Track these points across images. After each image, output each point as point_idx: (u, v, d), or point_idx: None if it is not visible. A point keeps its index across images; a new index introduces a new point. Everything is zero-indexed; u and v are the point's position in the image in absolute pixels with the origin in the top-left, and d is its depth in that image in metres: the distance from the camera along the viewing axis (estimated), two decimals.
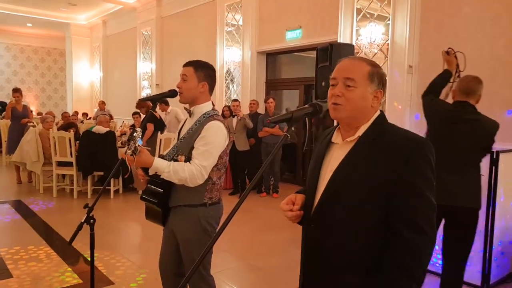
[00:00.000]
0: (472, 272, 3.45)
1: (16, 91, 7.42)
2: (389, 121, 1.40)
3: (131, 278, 3.51)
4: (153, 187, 2.17)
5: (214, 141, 2.09)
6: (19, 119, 7.41)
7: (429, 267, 3.42)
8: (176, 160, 2.09)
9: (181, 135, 2.25)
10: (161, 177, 2.05)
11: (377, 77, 1.34)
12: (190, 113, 2.23)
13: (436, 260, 3.58)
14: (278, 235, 4.73)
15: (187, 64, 2.20)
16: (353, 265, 1.31)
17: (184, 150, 2.13)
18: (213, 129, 2.11)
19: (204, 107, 2.21)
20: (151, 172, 2.07)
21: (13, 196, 6.36)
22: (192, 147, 2.10)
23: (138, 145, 1.95)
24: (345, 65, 1.37)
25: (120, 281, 3.45)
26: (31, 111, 10.75)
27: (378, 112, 1.38)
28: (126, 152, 1.95)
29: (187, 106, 2.25)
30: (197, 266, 1.22)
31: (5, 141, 8.60)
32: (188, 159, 2.08)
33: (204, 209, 2.16)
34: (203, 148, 2.07)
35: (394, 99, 5.26)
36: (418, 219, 1.24)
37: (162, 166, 2.01)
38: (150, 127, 6.65)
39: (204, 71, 2.19)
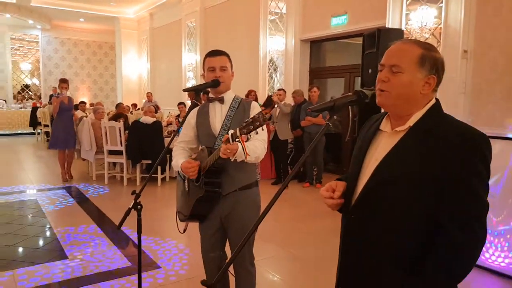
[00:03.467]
0: None
1: (64, 81, 6.81)
2: (443, 108, 1.30)
3: (176, 263, 3.61)
4: (210, 178, 2.16)
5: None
6: (65, 112, 6.81)
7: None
8: (236, 139, 2.00)
9: (219, 121, 2.26)
10: (240, 160, 2.01)
11: (430, 61, 1.24)
12: (222, 100, 2.29)
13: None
14: (320, 224, 4.68)
15: (220, 53, 2.27)
16: (393, 260, 1.25)
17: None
18: (258, 107, 2.26)
19: (231, 93, 2.33)
20: (232, 159, 1.99)
21: (69, 182, 6.78)
22: None
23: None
24: (393, 51, 1.29)
25: (166, 265, 3.56)
26: (84, 103, 11.33)
27: (433, 101, 1.29)
28: (237, 137, 1.88)
29: (213, 96, 2.30)
30: (248, 237, 1.19)
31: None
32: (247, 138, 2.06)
33: (256, 188, 2.29)
34: None
35: (447, 86, 4.98)
36: (469, 219, 1.16)
37: (241, 150, 1.96)
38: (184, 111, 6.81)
39: (230, 61, 2.32)
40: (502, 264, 3.41)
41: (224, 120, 2.24)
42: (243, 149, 1.94)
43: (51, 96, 14.53)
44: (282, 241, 4.24)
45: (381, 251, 1.27)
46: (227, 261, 1.30)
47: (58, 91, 6.89)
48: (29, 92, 16.89)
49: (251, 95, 7.07)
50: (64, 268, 3.45)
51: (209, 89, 2.34)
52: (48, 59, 16.40)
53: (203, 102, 2.48)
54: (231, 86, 2.36)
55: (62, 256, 3.72)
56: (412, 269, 1.21)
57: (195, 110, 2.38)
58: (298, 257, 3.87)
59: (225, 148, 1.92)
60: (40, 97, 16.11)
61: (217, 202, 2.23)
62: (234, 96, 2.32)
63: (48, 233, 4.35)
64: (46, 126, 12.02)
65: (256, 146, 2.11)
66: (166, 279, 3.31)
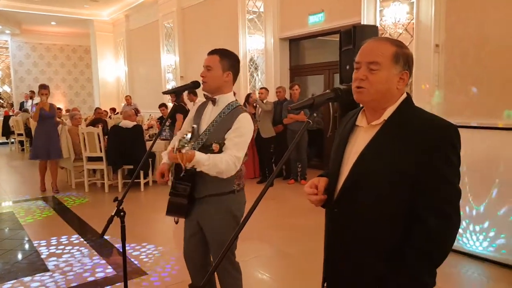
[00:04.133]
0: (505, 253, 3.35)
1: (45, 87, 6.32)
2: (416, 101, 1.36)
3: (163, 268, 3.58)
4: (181, 183, 2.16)
5: (247, 132, 2.13)
6: (47, 120, 6.34)
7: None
8: (210, 147, 2.09)
9: (204, 124, 2.22)
10: (198, 170, 2.03)
11: (403, 58, 1.30)
12: (215, 102, 2.21)
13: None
14: (307, 220, 4.71)
15: (213, 52, 2.19)
16: (377, 250, 1.30)
17: (217, 140, 2.12)
18: (245, 121, 2.12)
19: (229, 97, 2.22)
20: (189, 166, 2.01)
21: (46, 192, 6.58)
22: (224, 138, 2.10)
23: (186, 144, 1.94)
24: (368, 48, 1.33)
25: (153, 271, 3.52)
26: (60, 109, 11.02)
27: (404, 95, 1.35)
28: (175, 151, 1.91)
29: (208, 94, 2.25)
30: (226, 252, 1.22)
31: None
32: (221, 147, 2.08)
33: (233, 196, 2.19)
34: (237, 140, 2.08)
35: (421, 80, 5.09)
36: (444, 205, 1.23)
37: (202, 159, 1.98)
38: (180, 117, 6.73)
39: (229, 61, 2.18)
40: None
41: (209, 123, 2.19)
42: (181, 162, 1.92)
43: (22, 104, 14.16)
44: (269, 239, 4.25)
45: (363, 243, 1.32)
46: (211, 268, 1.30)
47: (36, 98, 6.58)
48: (0, 101, 16.39)
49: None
50: (46, 281, 3.36)
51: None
52: (19, 65, 15.94)
53: (188, 101, 2.46)
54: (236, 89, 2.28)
55: (43, 269, 3.61)
56: (394, 258, 1.26)
57: (198, 105, 2.38)
58: (286, 254, 3.89)
59: (170, 157, 1.97)
60: (12, 105, 15.62)
61: (192, 204, 2.21)
62: (232, 101, 2.19)
63: (27, 246, 4.22)
64: (20, 135, 11.71)
65: (221, 161, 2.01)
66: (153, 285, 3.27)
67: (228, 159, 2.03)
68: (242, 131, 2.10)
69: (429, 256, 1.22)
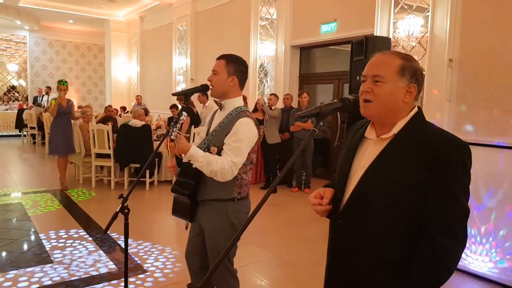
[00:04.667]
0: (510, 274, 3.31)
1: (63, 83, 6.31)
2: (428, 115, 1.35)
3: (164, 267, 3.60)
4: (184, 179, 2.20)
5: (245, 138, 2.10)
6: (63, 115, 6.36)
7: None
8: (208, 151, 2.12)
9: (212, 127, 2.27)
10: (194, 166, 2.08)
11: (409, 71, 1.29)
12: (221, 106, 2.24)
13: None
14: (309, 229, 4.70)
15: (220, 57, 2.22)
16: (381, 264, 1.29)
17: (216, 143, 2.15)
18: (244, 126, 2.11)
19: (236, 102, 2.22)
20: (185, 159, 2.10)
21: (54, 185, 6.66)
22: (223, 142, 2.12)
23: (178, 132, 2.00)
24: (374, 62, 1.34)
25: (153, 269, 3.55)
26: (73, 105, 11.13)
27: (415, 109, 1.33)
28: (169, 135, 2.00)
29: (218, 99, 2.28)
30: (222, 258, 1.24)
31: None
32: (219, 151, 2.11)
33: (233, 204, 2.18)
34: (234, 145, 2.08)
35: (433, 94, 5.07)
36: (452, 224, 1.21)
37: (197, 154, 2.04)
38: (187, 120, 6.76)
39: (234, 66, 2.19)
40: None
41: (216, 126, 2.22)
42: (170, 150, 2.03)
43: (35, 98, 14.37)
44: (270, 246, 4.25)
45: (367, 256, 1.31)
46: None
47: (52, 94, 6.51)
48: (16, 94, 16.65)
49: (244, 101, 7.07)
50: (49, 273, 3.41)
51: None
52: (36, 60, 16.19)
53: (198, 102, 2.51)
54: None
55: (47, 260, 3.67)
56: (397, 273, 1.25)
57: (209, 107, 2.42)
58: (286, 261, 3.89)
59: (170, 145, 2.03)
60: (26, 99, 15.88)
61: (196, 206, 2.23)
62: (238, 107, 2.20)
63: (33, 237, 4.29)
64: (32, 128, 11.88)
65: (216, 162, 2.03)
66: (153, 283, 3.29)
67: (225, 162, 2.04)
68: (240, 136, 2.09)
69: (434, 273, 1.21)
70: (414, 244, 1.24)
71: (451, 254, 1.21)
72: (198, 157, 2.04)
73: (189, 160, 2.08)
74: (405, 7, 5.40)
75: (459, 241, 1.22)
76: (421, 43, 5.28)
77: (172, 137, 2.00)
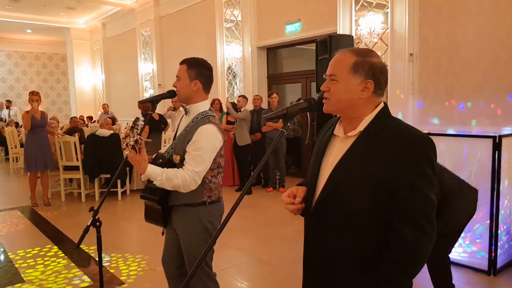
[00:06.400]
0: (478, 257, 3.45)
1: (36, 94, 5.98)
2: (392, 110, 1.37)
3: (140, 278, 3.54)
4: (153, 184, 2.15)
5: (206, 145, 2.07)
6: (38, 128, 5.99)
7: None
8: (171, 160, 2.10)
9: (178, 132, 2.24)
10: (153, 183, 2.06)
11: (364, 67, 1.30)
12: (186, 111, 2.22)
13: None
14: (286, 229, 4.74)
15: (181, 62, 2.20)
16: (352, 261, 1.31)
17: (179, 150, 2.13)
18: (205, 133, 2.07)
19: (200, 106, 2.18)
20: (143, 179, 2.08)
21: (22, 202, 6.41)
22: (185, 150, 2.09)
23: (139, 138, 1.97)
24: (332, 62, 1.37)
25: (130, 281, 3.48)
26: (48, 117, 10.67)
27: (381, 105, 1.35)
28: (128, 142, 1.97)
29: (183, 104, 2.26)
30: (199, 264, 1.23)
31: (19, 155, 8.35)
32: (182, 159, 2.08)
33: (204, 208, 2.16)
34: (195, 153, 2.05)
35: (396, 88, 5.24)
36: (418, 217, 1.23)
37: (155, 173, 2.01)
38: (146, 129, 6.64)
39: (196, 70, 2.15)
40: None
41: (182, 131, 2.19)
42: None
43: None
44: (248, 247, 4.26)
45: (338, 253, 1.33)
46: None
47: (13, 108, 6.16)
48: None
49: (215, 103, 7.03)
50: None
51: None
52: None
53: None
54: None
55: (19, 280, 3.53)
56: (369, 269, 1.27)
57: (182, 112, 2.38)
58: (265, 262, 3.90)
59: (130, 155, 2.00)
60: None
61: (169, 212, 2.21)
62: (202, 112, 2.15)
63: (1, 257, 4.11)
64: None
65: (176, 176, 2.01)
66: None
67: (186, 174, 2.02)
68: (200, 144, 2.05)
69: (402, 267, 1.23)
70: (384, 240, 1.26)
71: (419, 248, 1.23)
72: (156, 176, 2.01)
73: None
74: (365, 4, 5.55)
75: (426, 234, 1.23)
76: (382, 39, 5.43)
77: (131, 142, 1.95)
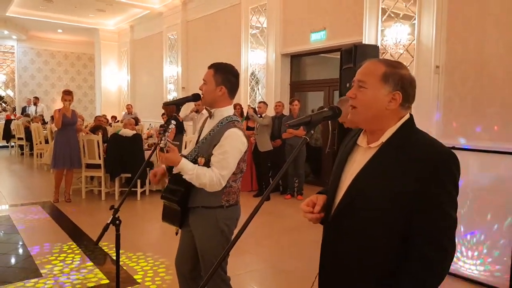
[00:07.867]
0: (499, 277, 3.34)
1: (68, 93, 6.15)
2: (416, 122, 1.35)
3: (156, 278, 3.56)
4: (174, 186, 2.20)
5: (231, 150, 2.11)
6: (68, 126, 6.13)
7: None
8: (196, 162, 2.13)
9: (202, 136, 2.27)
10: (183, 177, 2.09)
11: (394, 78, 1.29)
12: (211, 115, 2.25)
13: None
14: (303, 237, 4.70)
15: (210, 67, 2.23)
16: (368, 274, 1.29)
17: (204, 153, 2.16)
18: (231, 137, 2.11)
19: (225, 111, 2.22)
20: (175, 171, 2.11)
21: (43, 197, 6.58)
22: (211, 153, 2.13)
23: (168, 141, 2.03)
24: (361, 69, 1.36)
25: (145, 281, 3.51)
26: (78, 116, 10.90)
27: (406, 117, 1.33)
28: (159, 144, 2.04)
29: (207, 108, 2.29)
30: (216, 268, 1.23)
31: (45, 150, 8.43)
32: (207, 161, 2.11)
33: (222, 211, 2.19)
34: (221, 157, 2.09)
35: (421, 100, 5.13)
36: (439, 235, 1.21)
37: (187, 168, 2.06)
38: (172, 130, 6.70)
39: (222, 75, 2.18)
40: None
41: (206, 135, 2.22)
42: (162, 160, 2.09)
43: (24, 108, 14.21)
44: (265, 254, 4.24)
45: (355, 264, 1.31)
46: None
47: (40, 105, 6.20)
48: (3, 104, 16.45)
49: (236, 108, 7.07)
50: (37, 287, 3.34)
51: None
52: (24, 70, 16.03)
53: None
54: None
55: (36, 274, 3.60)
56: (386, 282, 1.25)
57: (205, 115, 2.42)
58: (281, 270, 3.87)
59: (160, 155, 2.07)
60: (14, 109, 15.69)
61: (187, 213, 2.23)
62: (227, 117, 2.19)
63: (21, 251, 4.21)
64: (20, 139, 11.74)
65: (205, 175, 2.05)
66: None
67: (213, 175, 2.07)
68: (226, 148, 2.09)
69: (420, 283, 1.20)
70: (402, 254, 1.24)
71: (440, 267, 1.21)
72: (188, 170, 2.06)
73: (179, 172, 2.09)
74: (392, 15, 5.48)
75: (447, 253, 1.22)
76: (408, 51, 5.35)
77: (161, 145, 2.02)
